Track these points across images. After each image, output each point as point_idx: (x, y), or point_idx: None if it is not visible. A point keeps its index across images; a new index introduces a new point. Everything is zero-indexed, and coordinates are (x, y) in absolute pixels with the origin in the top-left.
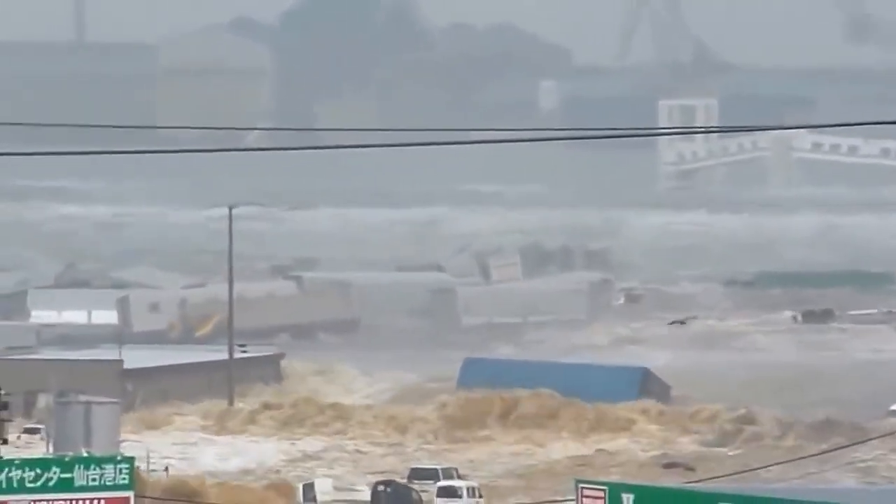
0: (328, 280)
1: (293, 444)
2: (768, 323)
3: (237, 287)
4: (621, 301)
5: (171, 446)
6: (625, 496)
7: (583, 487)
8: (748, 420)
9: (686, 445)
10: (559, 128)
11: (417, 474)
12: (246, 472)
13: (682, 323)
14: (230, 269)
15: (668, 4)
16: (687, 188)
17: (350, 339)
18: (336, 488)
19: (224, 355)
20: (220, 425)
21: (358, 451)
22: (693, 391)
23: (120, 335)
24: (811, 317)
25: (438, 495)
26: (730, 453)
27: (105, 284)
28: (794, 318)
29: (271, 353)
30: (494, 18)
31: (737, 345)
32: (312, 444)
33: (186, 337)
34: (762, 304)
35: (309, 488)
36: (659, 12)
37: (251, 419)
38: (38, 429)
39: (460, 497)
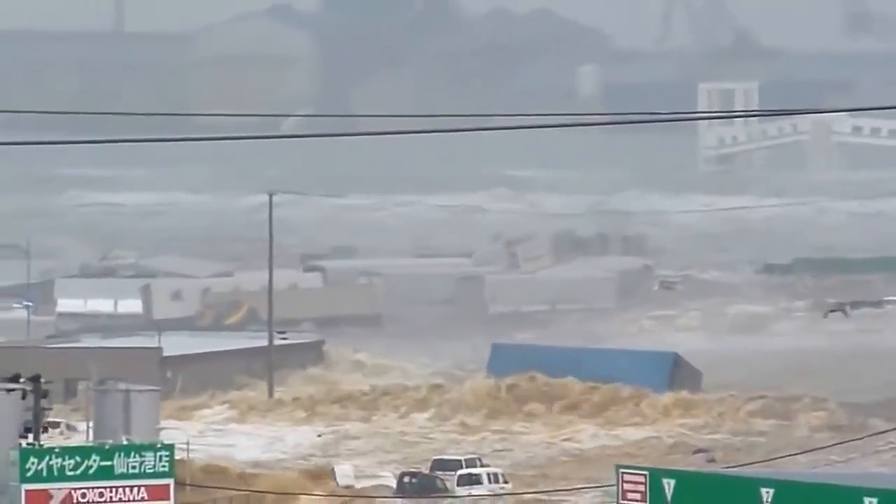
0: (356, 269)
1: (333, 429)
2: (805, 309)
3: (263, 276)
4: (656, 288)
5: (211, 433)
6: (665, 481)
7: (623, 473)
8: (785, 404)
9: (719, 431)
10: (598, 113)
11: (441, 465)
12: (285, 457)
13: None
14: (270, 257)
15: None
16: (726, 172)
17: (376, 328)
18: (364, 475)
19: (263, 342)
20: (260, 411)
21: (392, 437)
22: (727, 377)
23: (145, 324)
24: (858, 305)
25: (458, 483)
26: (763, 440)
27: (134, 273)
28: (842, 309)
29: (311, 339)
30: (533, 4)
31: (772, 330)
32: (350, 429)
33: (216, 325)
34: (800, 290)
35: (331, 474)
36: None
37: (291, 405)
38: (58, 423)
39: (480, 483)
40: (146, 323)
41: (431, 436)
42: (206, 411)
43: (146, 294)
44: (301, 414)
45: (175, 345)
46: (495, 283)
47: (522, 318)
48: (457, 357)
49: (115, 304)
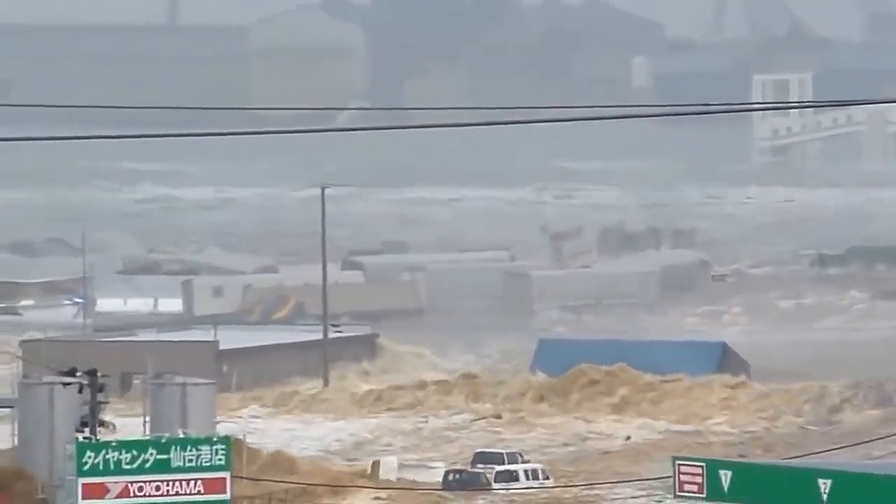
0: (400, 264)
1: (384, 422)
2: (859, 300)
3: (308, 271)
4: (707, 280)
5: (266, 426)
6: (722, 473)
7: (680, 464)
8: (838, 395)
9: (770, 423)
10: (651, 104)
11: (482, 458)
12: (338, 450)
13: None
14: (323, 251)
15: None
16: (781, 164)
17: (420, 323)
18: (410, 467)
19: (316, 335)
20: (314, 404)
21: (439, 431)
22: (777, 368)
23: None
24: None
25: (496, 480)
26: (816, 430)
27: (180, 268)
28: None
29: (365, 332)
30: None
31: (825, 321)
32: (400, 422)
33: (264, 320)
34: (855, 280)
35: (378, 467)
36: None
37: (344, 398)
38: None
39: (517, 480)
40: (201, 317)
41: (478, 430)
42: (262, 404)
43: (187, 291)
44: (354, 407)
45: (229, 338)
46: (541, 277)
47: (568, 313)
48: (503, 352)
49: (156, 301)
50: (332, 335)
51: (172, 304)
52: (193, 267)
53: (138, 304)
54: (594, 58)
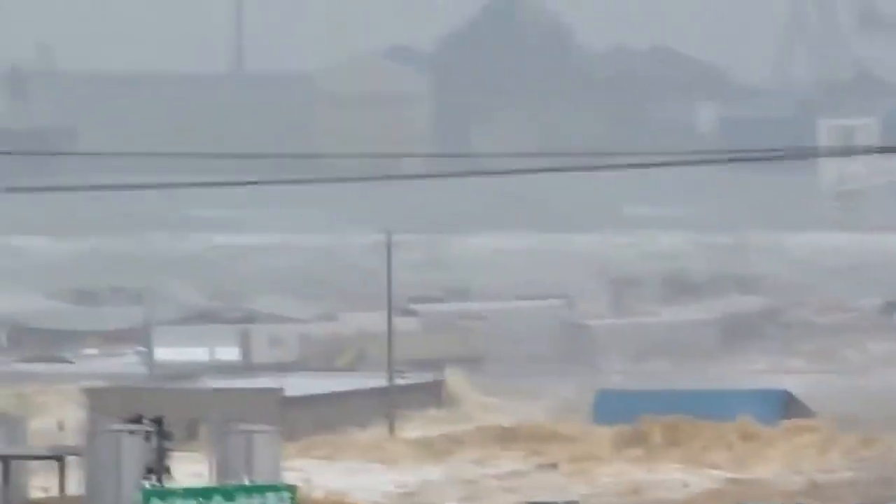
0: (459, 311)
1: (452, 469)
2: None
3: (366, 319)
4: (773, 327)
5: (332, 473)
6: None
7: None
8: None
9: (837, 471)
10: (716, 149)
11: None
12: (405, 496)
13: None
14: (389, 297)
15: (826, 22)
16: (847, 209)
17: (478, 371)
18: None
19: (381, 382)
20: (380, 451)
21: (501, 478)
22: (843, 416)
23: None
24: None
25: None
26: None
27: (239, 316)
28: None
29: (431, 379)
30: (652, 41)
31: (892, 370)
32: (463, 468)
33: (326, 367)
34: None
35: None
36: (816, 31)
37: (410, 445)
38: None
39: None
40: (262, 365)
41: (537, 479)
42: (326, 451)
43: (244, 339)
44: (417, 454)
45: (293, 385)
46: (601, 327)
47: (629, 362)
48: (562, 402)
49: (212, 350)
50: (397, 382)
51: (230, 353)
52: (252, 314)
53: (195, 354)
54: (659, 103)
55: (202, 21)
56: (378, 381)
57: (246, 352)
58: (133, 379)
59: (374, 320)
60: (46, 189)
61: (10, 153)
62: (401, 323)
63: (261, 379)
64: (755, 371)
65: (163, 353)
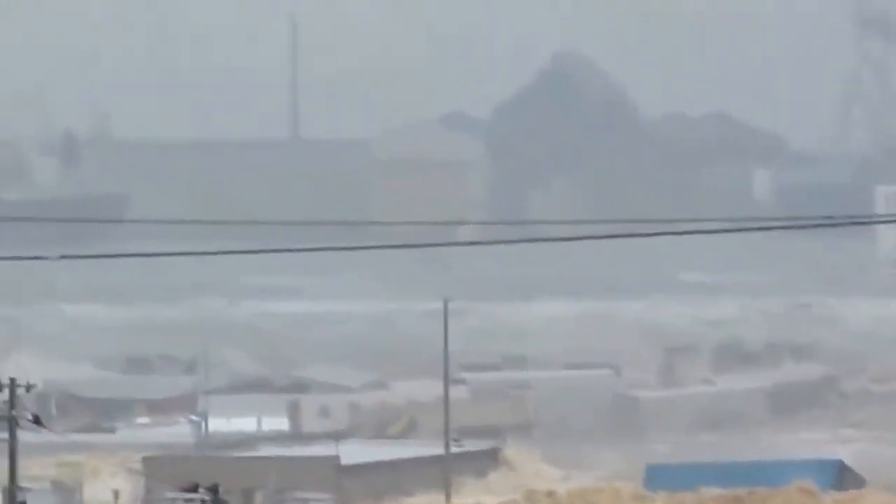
0: (512, 380)
1: None
2: None
3: (414, 387)
4: (829, 395)
5: None
6: None
7: None
8: None
9: None
10: (773, 216)
11: None
12: None
13: None
14: (445, 365)
15: (883, 88)
16: None
17: (528, 440)
18: None
19: (436, 450)
20: None
21: None
22: None
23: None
24: None
25: None
26: None
27: (289, 384)
28: None
29: (487, 447)
30: (708, 106)
31: None
32: None
33: (379, 434)
34: None
35: None
36: (874, 96)
37: None
38: None
39: None
40: (315, 434)
41: None
42: None
43: (293, 409)
44: None
45: (349, 452)
46: (650, 399)
47: (677, 433)
48: (613, 473)
49: (260, 421)
50: (453, 450)
51: (279, 423)
52: (302, 383)
53: (245, 423)
54: (716, 169)
55: (258, 87)
56: (433, 448)
57: (295, 421)
58: (184, 448)
59: (423, 388)
60: (99, 256)
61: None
62: (451, 391)
63: (315, 447)
64: (808, 440)
65: (213, 423)
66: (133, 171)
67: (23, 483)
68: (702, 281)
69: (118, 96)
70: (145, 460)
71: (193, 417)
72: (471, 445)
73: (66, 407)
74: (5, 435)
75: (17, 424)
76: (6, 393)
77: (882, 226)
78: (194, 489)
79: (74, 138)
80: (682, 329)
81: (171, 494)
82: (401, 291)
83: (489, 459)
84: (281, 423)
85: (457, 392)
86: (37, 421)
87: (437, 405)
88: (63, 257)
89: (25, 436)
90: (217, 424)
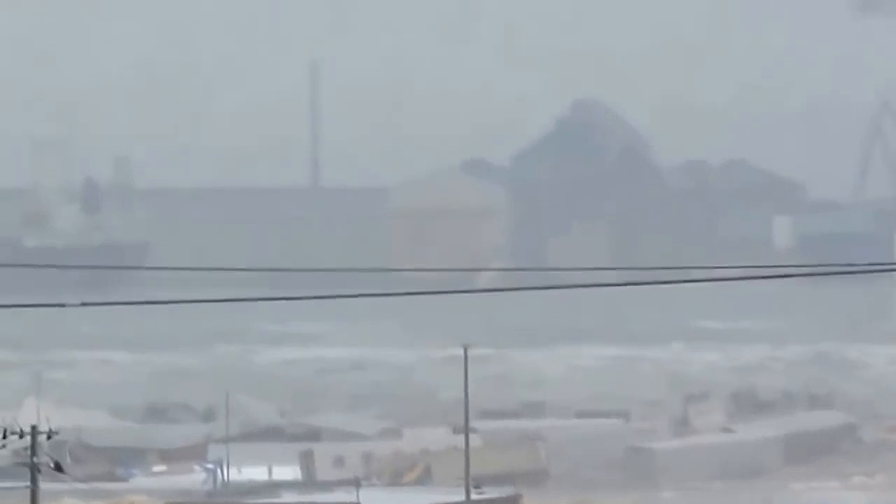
0: (517, 430)
1: None
2: None
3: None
4: (846, 443)
5: None
6: None
7: None
8: None
9: None
10: (793, 264)
11: None
12: None
13: None
14: (466, 412)
15: None
16: None
17: (541, 490)
18: None
19: (456, 497)
20: None
21: None
22: None
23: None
24: None
25: None
26: None
27: (303, 432)
28: None
29: (507, 494)
30: (728, 155)
31: None
32: None
33: (394, 482)
34: None
35: None
36: (894, 144)
37: None
38: None
39: None
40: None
41: None
42: None
43: (306, 458)
44: None
45: (370, 500)
46: (662, 449)
47: (691, 483)
48: None
49: (270, 470)
50: (474, 496)
51: (291, 472)
52: (316, 431)
53: (258, 472)
54: (736, 217)
55: (279, 136)
56: (452, 495)
57: (308, 470)
58: (199, 496)
59: (436, 436)
60: (121, 304)
61: (84, 267)
62: (462, 439)
63: (336, 493)
64: (822, 488)
65: (229, 471)
66: (155, 218)
67: None
68: (721, 328)
69: (140, 144)
70: None
71: (209, 465)
72: (492, 492)
73: (79, 455)
74: (23, 482)
75: (38, 471)
76: (26, 440)
77: None
78: None
79: (96, 186)
80: (699, 376)
81: None
82: (420, 338)
83: None
84: (294, 472)
85: (474, 439)
86: (58, 468)
87: (449, 452)
88: (84, 304)
89: (44, 483)
90: (234, 472)
